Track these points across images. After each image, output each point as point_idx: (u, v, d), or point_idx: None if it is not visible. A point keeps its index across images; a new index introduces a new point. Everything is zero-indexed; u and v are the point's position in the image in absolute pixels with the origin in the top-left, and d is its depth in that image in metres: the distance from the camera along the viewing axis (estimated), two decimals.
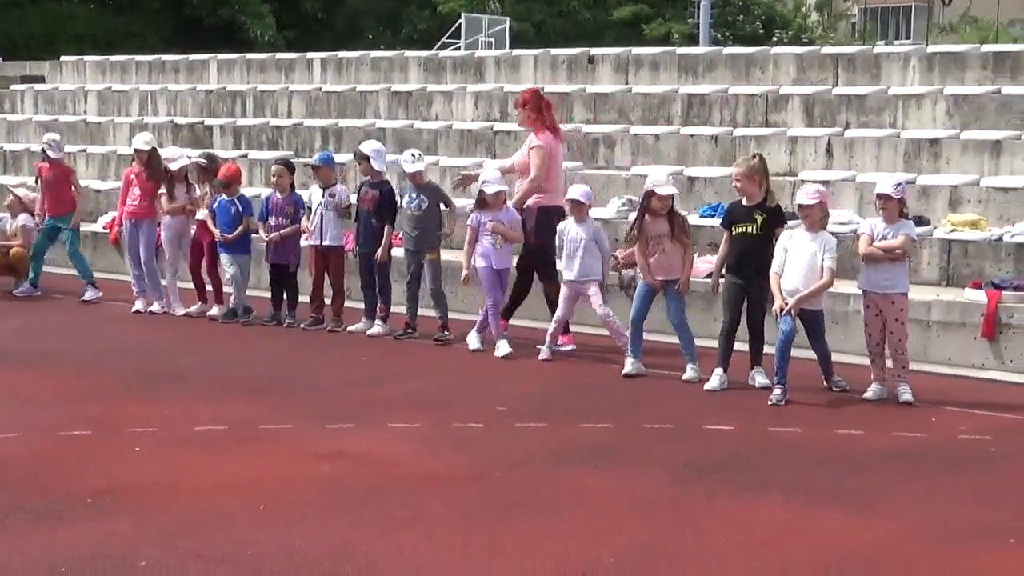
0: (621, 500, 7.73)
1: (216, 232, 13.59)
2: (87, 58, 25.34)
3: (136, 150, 14.50)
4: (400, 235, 12.97)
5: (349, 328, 13.04)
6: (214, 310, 13.94)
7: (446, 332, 12.56)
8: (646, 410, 10.03)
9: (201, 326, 13.68)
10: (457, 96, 18.90)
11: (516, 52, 20.51)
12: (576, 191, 11.74)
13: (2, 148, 21.95)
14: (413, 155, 12.82)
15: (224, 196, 13.61)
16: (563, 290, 11.82)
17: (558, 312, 11.82)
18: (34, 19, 46.80)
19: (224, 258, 13.72)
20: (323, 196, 13.15)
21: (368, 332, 12.89)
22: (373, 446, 8.91)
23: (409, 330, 12.74)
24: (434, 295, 12.72)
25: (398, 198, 13.02)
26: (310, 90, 20.70)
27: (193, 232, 14.09)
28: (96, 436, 9.10)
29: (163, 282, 14.37)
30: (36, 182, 15.48)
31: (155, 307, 14.23)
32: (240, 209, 13.58)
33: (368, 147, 13.15)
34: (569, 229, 11.68)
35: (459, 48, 33.23)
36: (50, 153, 15.09)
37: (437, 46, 35.91)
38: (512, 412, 9.89)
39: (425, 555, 6.71)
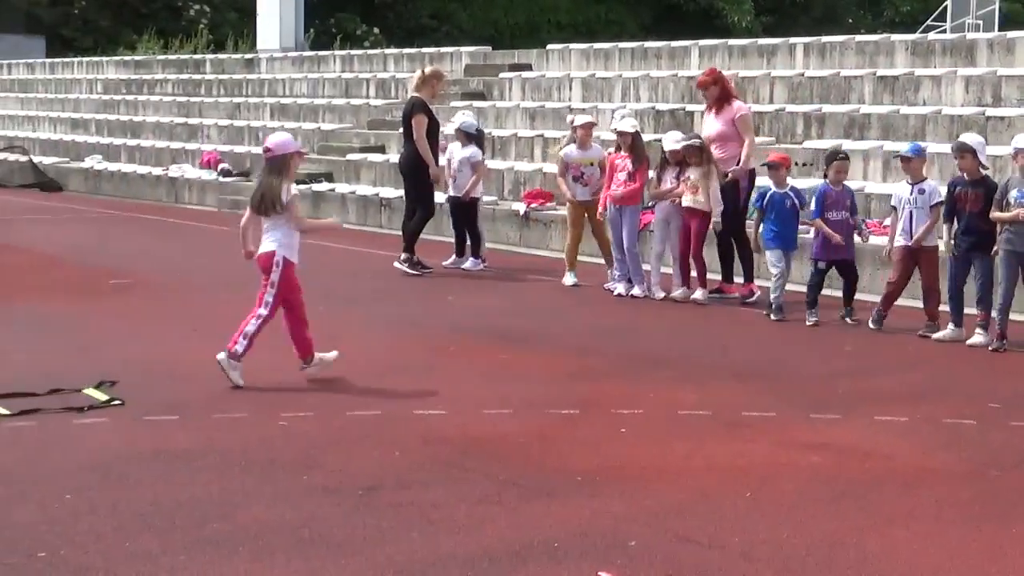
0: None
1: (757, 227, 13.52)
2: (572, 46, 26.06)
3: (620, 132, 14.72)
4: None
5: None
6: (698, 294, 14.02)
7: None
8: None
9: (683, 310, 13.81)
10: (947, 80, 18.30)
11: (1011, 34, 19.67)
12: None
13: (491, 134, 22.82)
14: None
15: (775, 188, 13.31)
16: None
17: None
18: (520, 9, 48.56)
19: (772, 255, 13.33)
20: (911, 192, 12.31)
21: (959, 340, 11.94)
22: (860, 438, 8.72)
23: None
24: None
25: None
26: (792, 75, 20.54)
27: (682, 216, 14.19)
28: (584, 415, 9.31)
29: (645, 266, 14.59)
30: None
31: (636, 291, 14.44)
32: (796, 202, 13.27)
33: (971, 139, 12.16)
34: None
35: (945, 30, 32.19)
36: None
37: (922, 28, 34.87)
38: (1007, 408, 9.49)
39: (918, 552, 6.51)
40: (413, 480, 7.68)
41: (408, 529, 6.81)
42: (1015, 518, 7.06)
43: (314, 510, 7.13)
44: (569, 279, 15.27)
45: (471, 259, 16.51)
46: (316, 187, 23.42)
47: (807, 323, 12.67)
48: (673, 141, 14.29)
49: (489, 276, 16.23)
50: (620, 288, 14.58)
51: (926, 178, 12.43)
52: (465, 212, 16.66)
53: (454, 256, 16.69)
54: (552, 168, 17.20)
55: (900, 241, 12.23)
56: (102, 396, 9.58)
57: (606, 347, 11.86)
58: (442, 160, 16.74)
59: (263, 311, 10.14)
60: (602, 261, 15.51)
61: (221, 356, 9.98)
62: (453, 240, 17.02)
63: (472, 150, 16.56)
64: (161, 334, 12.27)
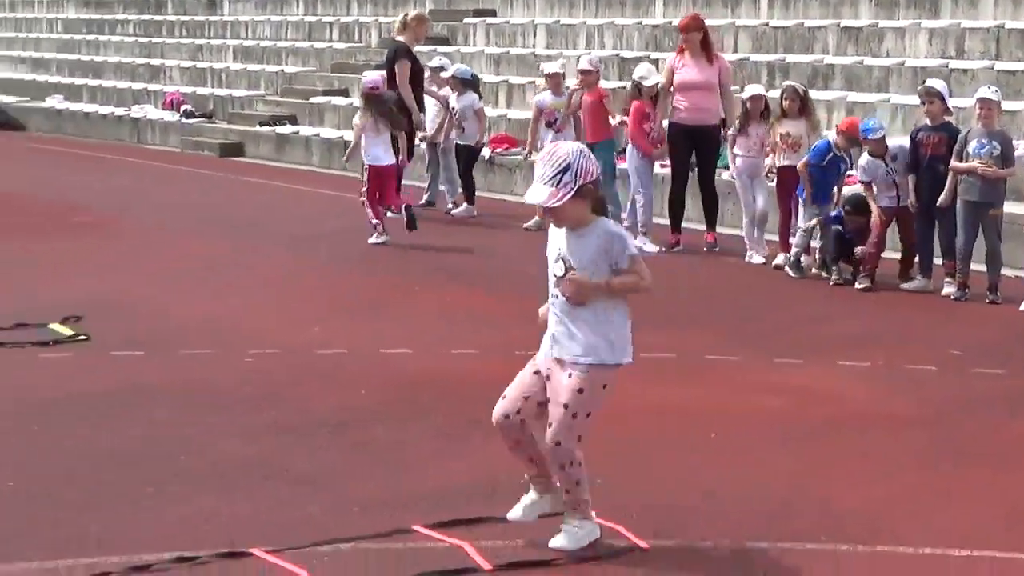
0: None
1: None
2: None
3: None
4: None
5: None
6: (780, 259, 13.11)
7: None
8: None
9: (663, 258, 13.84)
10: (911, 32, 18.33)
11: None
12: None
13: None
14: None
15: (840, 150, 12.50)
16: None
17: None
18: None
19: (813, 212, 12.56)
20: (886, 166, 12.05)
21: None
22: (822, 383, 8.81)
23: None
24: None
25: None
26: (756, 25, 20.49)
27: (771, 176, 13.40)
28: None
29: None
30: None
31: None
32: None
33: (939, 84, 12.12)
34: None
35: None
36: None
37: None
38: (967, 356, 9.59)
39: (877, 492, 6.60)
40: (379, 418, 7.72)
41: (373, 466, 6.87)
42: (969, 462, 7.17)
43: (281, 447, 7.17)
44: (532, 222, 15.26)
45: (465, 205, 16.32)
46: (280, 130, 23.33)
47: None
48: (756, 89, 13.83)
49: (462, 222, 16.12)
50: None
51: (888, 148, 12.31)
52: (473, 159, 16.57)
53: (465, 204, 16.47)
54: (518, 114, 17.14)
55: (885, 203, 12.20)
56: (67, 331, 9.58)
57: None
58: (454, 103, 16.44)
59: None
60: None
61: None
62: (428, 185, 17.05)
63: (471, 97, 16.45)
64: (125, 271, 12.24)
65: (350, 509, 6.19)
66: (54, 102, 30.32)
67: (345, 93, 24.21)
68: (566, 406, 5.57)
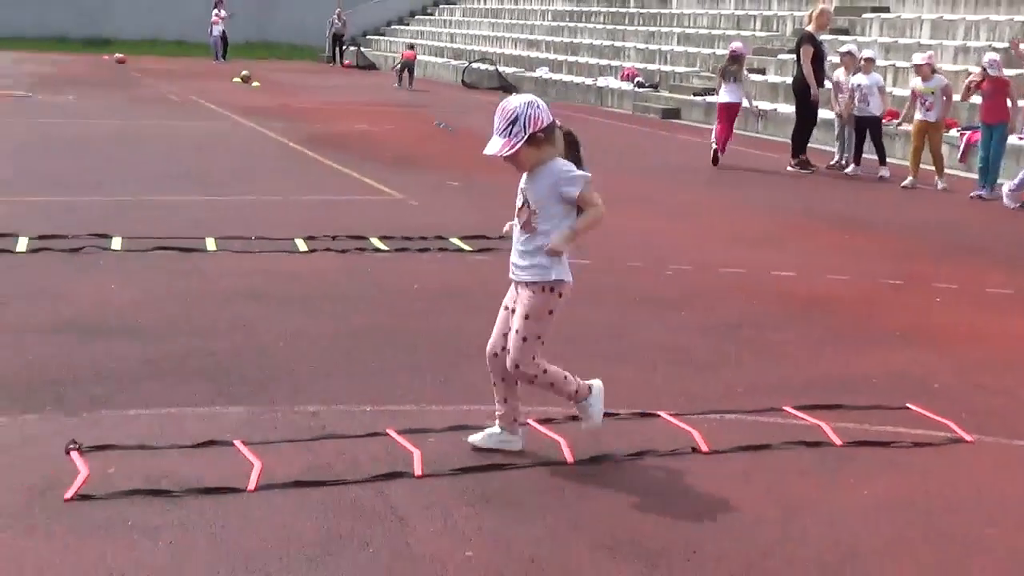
0: None
1: None
2: None
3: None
4: None
5: None
6: None
7: None
8: None
9: (996, 211, 13.11)
10: None
11: None
12: None
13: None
14: None
15: None
16: None
17: None
18: None
19: None
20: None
21: None
22: None
23: None
24: None
25: None
26: None
27: None
28: (907, 286, 9.02)
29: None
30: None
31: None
32: None
33: None
34: None
35: None
36: (989, 71, 14.10)
37: None
38: None
39: None
40: (766, 323, 7.68)
41: (758, 358, 6.85)
42: None
43: (687, 338, 7.24)
44: (908, 181, 14.67)
45: (882, 168, 15.68)
46: (709, 99, 23.19)
47: None
48: None
49: (850, 177, 15.64)
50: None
51: None
52: (872, 127, 15.83)
53: (852, 165, 15.90)
54: (901, 91, 16.39)
55: None
56: None
57: (932, 236, 11.39)
58: (854, 81, 15.80)
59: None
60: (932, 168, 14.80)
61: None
62: (836, 149, 16.56)
63: (876, 76, 15.92)
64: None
65: (736, 389, 6.21)
66: (541, 73, 31.12)
67: (763, 71, 23.80)
68: (517, 331, 4.91)
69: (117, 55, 37.83)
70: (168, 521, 4.36)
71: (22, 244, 9.04)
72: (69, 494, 4.55)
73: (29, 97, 22.87)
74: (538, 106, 4.82)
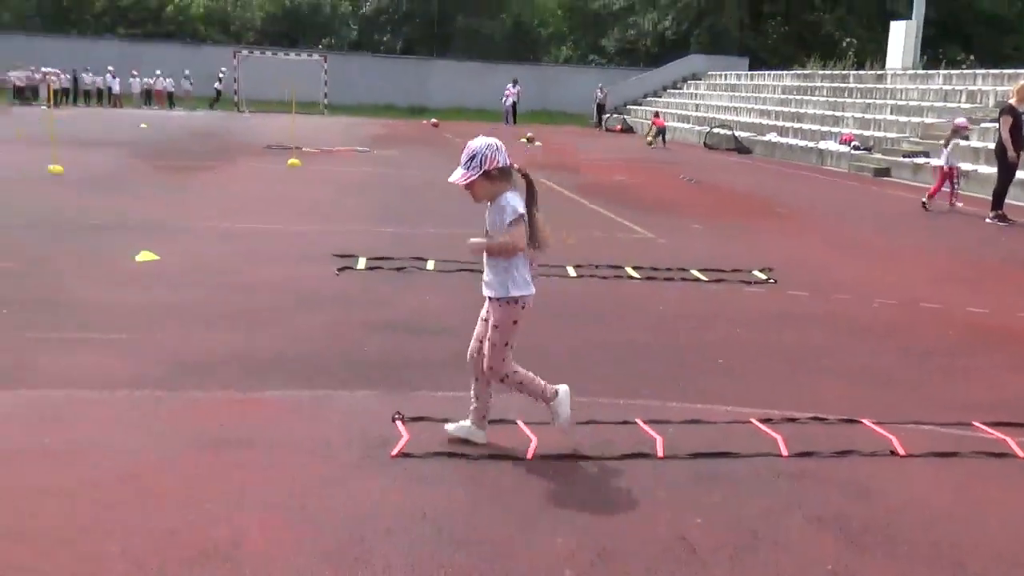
0: None
1: None
2: None
3: None
4: None
5: None
6: None
7: None
8: None
9: None
10: None
11: None
12: None
13: None
14: None
15: None
16: None
17: None
18: None
19: None
20: None
21: None
22: None
23: None
24: None
25: None
26: None
27: None
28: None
29: None
30: None
31: None
32: None
33: None
34: None
35: None
36: None
37: None
38: None
39: None
40: (959, 351, 7.35)
41: (951, 380, 6.58)
42: None
43: (888, 360, 7.01)
44: None
45: None
46: (916, 160, 22.18)
47: None
48: None
49: None
50: None
51: None
52: None
53: None
54: None
55: None
56: (763, 275, 9.83)
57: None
58: None
59: None
60: None
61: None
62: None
63: None
64: (803, 244, 12.25)
65: (929, 406, 5.98)
66: (771, 137, 30.49)
67: (967, 138, 22.49)
68: (489, 339, 4.81)
69: (432, 120, 39.51)
70: (464, 476, 4.65)
71: (361, 263, 9.67)
72: (394, 452, 4.91)
73: (367, 151, 24.25)
74: (496, 148, 4.68)
